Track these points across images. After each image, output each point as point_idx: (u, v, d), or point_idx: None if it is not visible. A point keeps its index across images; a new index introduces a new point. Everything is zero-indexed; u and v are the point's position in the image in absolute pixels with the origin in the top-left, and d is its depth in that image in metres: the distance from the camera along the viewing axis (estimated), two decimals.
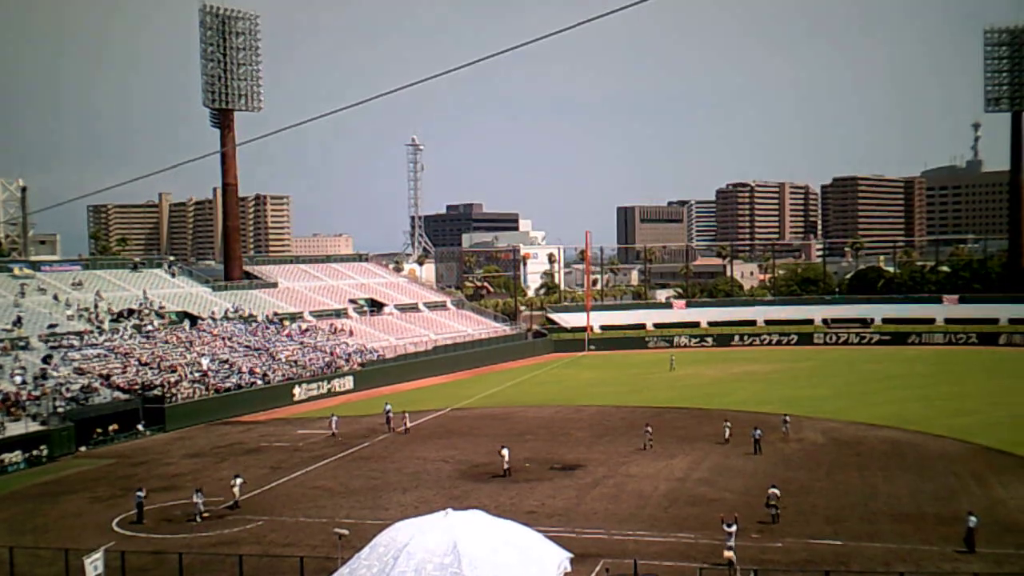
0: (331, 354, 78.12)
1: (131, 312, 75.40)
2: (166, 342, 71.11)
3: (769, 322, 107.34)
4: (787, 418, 51.43)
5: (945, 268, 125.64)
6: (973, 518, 30.12)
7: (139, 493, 37.55)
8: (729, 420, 51.24)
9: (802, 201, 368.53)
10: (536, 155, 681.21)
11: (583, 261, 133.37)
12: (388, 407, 58.08)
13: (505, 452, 44.14)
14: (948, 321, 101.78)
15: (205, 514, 36.67)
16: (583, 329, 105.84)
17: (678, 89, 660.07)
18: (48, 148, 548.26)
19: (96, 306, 74.10)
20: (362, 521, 34.20)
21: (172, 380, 63.28)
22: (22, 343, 63.41)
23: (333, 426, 55.25)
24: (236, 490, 38.58)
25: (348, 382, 75.46)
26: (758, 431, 46.48)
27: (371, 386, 75.78)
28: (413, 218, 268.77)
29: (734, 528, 28.65)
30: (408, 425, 55.96)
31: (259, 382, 68.68)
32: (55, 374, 59.61)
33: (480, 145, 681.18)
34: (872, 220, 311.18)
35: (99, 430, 55.60)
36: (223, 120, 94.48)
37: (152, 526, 36.01)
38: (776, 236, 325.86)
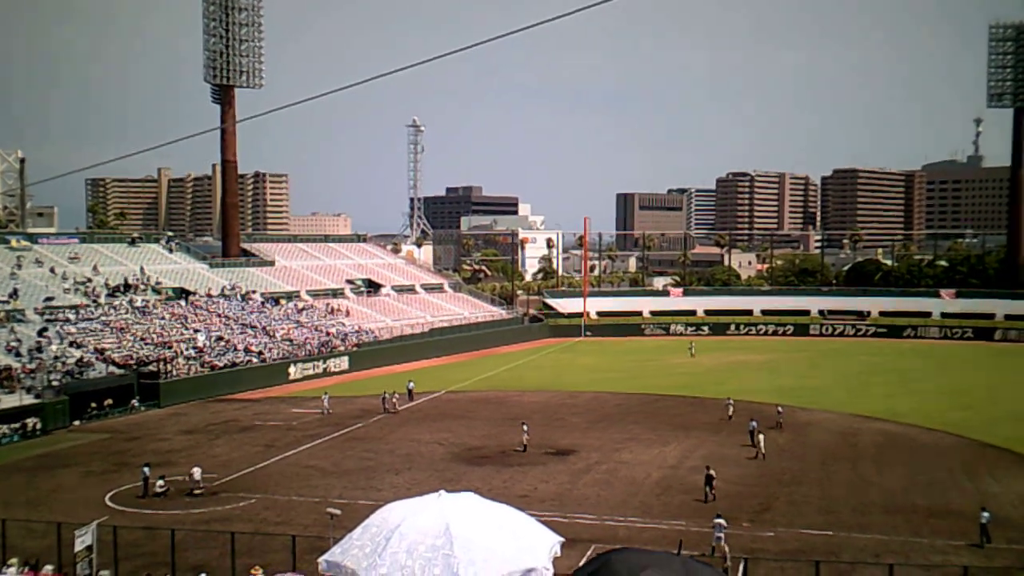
0: (327, 334, 78.07)
1: (128, 287, 75.27)
2: (162, 318, 71.02)
3: (765, 312, 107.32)
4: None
5: (943, 262, 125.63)
6: (986, 514, 30.21)
7: (145, 468, 37.55)
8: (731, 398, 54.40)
9: (802, 192, 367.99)
10: (537, 140, 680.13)
11: (581, 247, 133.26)
12: (411, 384, 61.36)
13: (525, 427, 45.93)
14: (944, 315, 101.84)
15: (197, 491, 36.75)
16: (580, 315, 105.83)
17: (681, 77, 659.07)
18: (47, 120, 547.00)
19: (93, 280, 73.95)
20: (355, 501, 34.22)
21: (168, 356, 63.23)
22: (18, 315, 63.33)
23: (325, 404, 55.79)
24: (156, 483, 37.24)
25: (343, 362, 75.46)
26: (754, 423, 46.48)
27: (366, 367, 75.83)
28: (412, 200, 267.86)
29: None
30: (398, 407, 56.28)
31: (255, 360, 68.66)
32: (50, 347, 59.53)
33: (481, 128, 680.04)
34: (871, 213, 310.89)
35: (94, 404, 55.59)
36: (224, 96, 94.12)
37: (144, 502, 36.10)
38: (775, 226, 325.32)
